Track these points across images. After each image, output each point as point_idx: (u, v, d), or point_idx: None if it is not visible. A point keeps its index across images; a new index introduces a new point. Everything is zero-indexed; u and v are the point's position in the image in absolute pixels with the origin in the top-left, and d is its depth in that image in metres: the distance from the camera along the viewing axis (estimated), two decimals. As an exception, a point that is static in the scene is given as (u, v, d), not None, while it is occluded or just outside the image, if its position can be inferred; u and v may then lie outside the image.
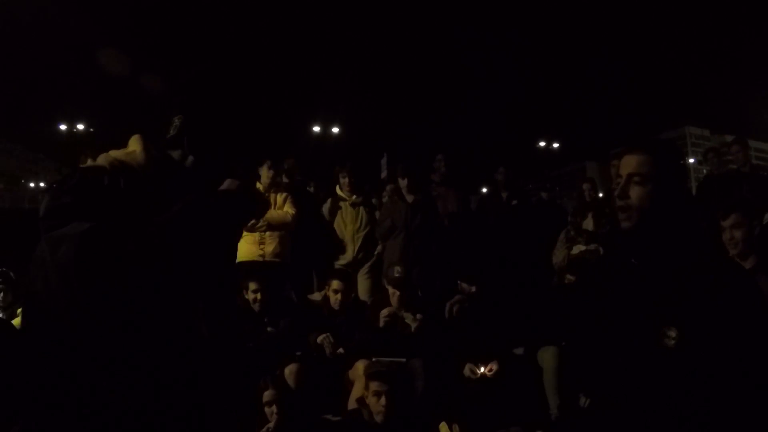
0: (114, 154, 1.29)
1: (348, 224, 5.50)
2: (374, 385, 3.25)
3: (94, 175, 1.21)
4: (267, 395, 3.40)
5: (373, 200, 6.04)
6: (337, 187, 5.65)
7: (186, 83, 1.40)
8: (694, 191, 7.24)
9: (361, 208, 5.57)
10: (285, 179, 5.66)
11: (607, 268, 1.75)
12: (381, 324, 4.17)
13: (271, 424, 3.39)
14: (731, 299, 1.46)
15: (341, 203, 5.57)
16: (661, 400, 1.48)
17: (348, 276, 4.69)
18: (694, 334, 1.45)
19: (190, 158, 1.31)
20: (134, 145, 1.33)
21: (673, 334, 1.46)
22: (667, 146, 1.70)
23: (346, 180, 5.59)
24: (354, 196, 5.58)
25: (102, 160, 1.29)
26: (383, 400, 3.21)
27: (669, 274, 1.53)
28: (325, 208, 5.61)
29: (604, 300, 1.66)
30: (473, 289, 4.49)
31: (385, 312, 4.18)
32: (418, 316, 4.20)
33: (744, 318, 1.45)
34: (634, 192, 1.60)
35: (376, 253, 5.49)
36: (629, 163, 1.62)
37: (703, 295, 1.47)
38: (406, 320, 4.20)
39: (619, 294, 1.61)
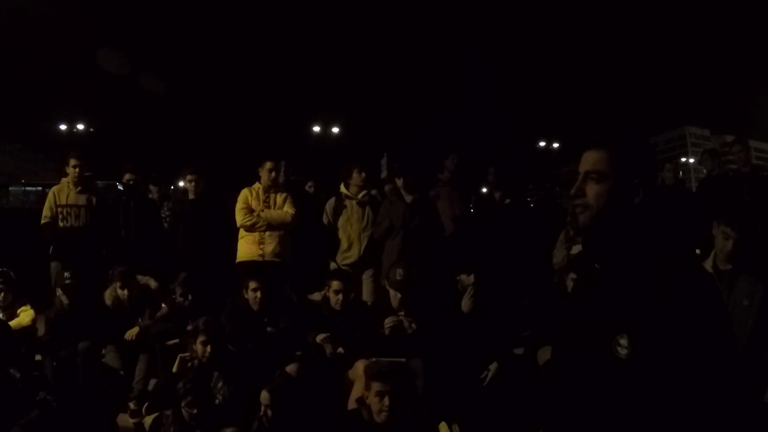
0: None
1: (354, 223, 5.43)
2: (377, 386, 3.24)
3: None
4: (263, 397, 3.40)
5: (379, 199, 5.98)
6: (342, 186, 5.57)
7: None
8: (694, 191, 7.25)
9: (368, 207, 5.48)
10: (284, 179, 5.65)
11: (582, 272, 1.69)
12: (386, 332, 4.16)
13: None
14: (681, 307, 1.37)
15: (347, 202, 5.48)
16: (613, 413, 1.40)
17: (348, 276, 4.68)
18: (645, 343, 1.36)
19: None
20: None
21: (624, 342, 1.38)
22: (629, 142, 1.56)
23: (363, 175, 5.47)
24: (362, 193, 5.50)
25: None
26: (386, 400, 3.20)
27: (623, 277, 1.45)
28: (329, 207, 5.53)
29: (571, 305, 1.60)
30: (472, 278, 4.49)
31: (389, 322, 4.17)
32: (414, 326, 4.19)
33: (693, 328, 1.36)
34: (591, 190, 1.50)
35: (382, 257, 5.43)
36: (587, 160, 1.53)
37: (654, 302, 1.38)
38: (404, 324, 4.19)
39: (583, 299, 1.56)
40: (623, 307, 1.41)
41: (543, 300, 4.70)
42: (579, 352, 1.50)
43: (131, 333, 4.64)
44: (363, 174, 5.48)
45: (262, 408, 3.37)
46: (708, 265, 3.28)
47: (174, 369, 3.99)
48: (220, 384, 3.82)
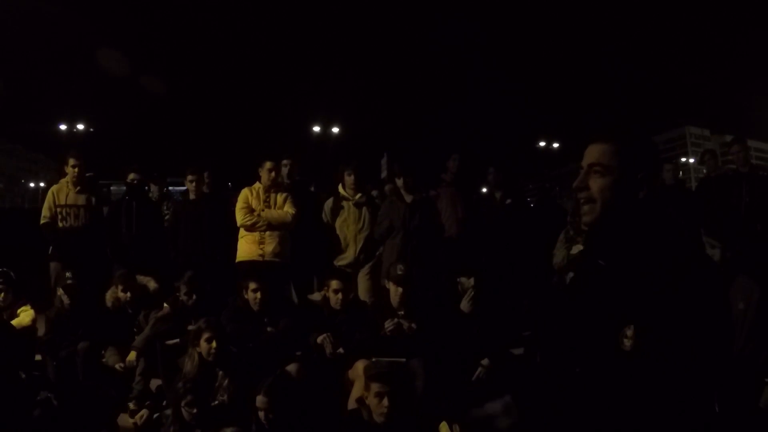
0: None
1: (350, 224, 5.43)
2: (375, 387, 3.24)
3: None
4: (259, 401, 3.40)
5: (377, 200, 5.98)
6: (340, 187, 5.57)
7: None
8: (694, 191, 7.26)
9: (364, 208, 5.48)
10: (285, 179, 5.65)
11: (582, 267, 1.66)
12: (387, 333, 4.16)
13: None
14: (691, 300, 1.37)
15: (344, 203, 5.48)
16: (615, 405, 1.41)
17: (347, 276, 4.68)
18: (650, 336, 1.36)
19: None
20: None
21: (629, 333, 1.39)
22: (633, 135, 1.55)
23: (352, 178, 5.47)
24: (358, 195, 5.50)
25: None
26: (385, 401, 3.20)
27: (632, 272, 1.43)
28: (327, 207, 5.53)
29: (573, 301, 1.59)
30: (472, 281, 4.49)
31: (389, 325, 4.16)
32: (413, 325, 4.19)
33: (700, 324, 1.36)
34: (595, 183, 1.49)
35: (377, 254, 5.42)
36: (591, 153, 1.52)
37: (662, 293, 1.37)
38: (403, 325, 4.19)
39: (587, 294, 1.54)
40: (630, 300, 1.40)
41: (543, 299, 4.71)
42: (583, 345, 1.49)
43: (130, 360, 4.48)
44: (352, 176, 5.47)
45: (261, 413, 3.36)
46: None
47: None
48: (225, 382, 3.81)
